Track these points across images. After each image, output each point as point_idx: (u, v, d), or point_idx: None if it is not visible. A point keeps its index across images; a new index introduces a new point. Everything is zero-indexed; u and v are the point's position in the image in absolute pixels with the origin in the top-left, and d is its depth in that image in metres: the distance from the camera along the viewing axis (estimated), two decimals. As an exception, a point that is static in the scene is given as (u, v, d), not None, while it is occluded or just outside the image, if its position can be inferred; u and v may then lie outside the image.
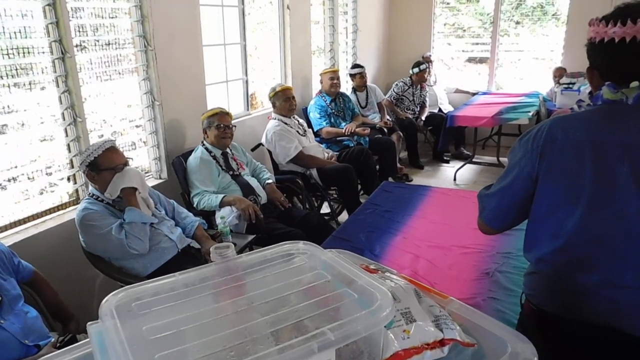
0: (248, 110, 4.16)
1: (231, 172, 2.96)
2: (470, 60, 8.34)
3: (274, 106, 3.67)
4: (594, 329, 1.09)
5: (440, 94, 5.98)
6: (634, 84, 1.04)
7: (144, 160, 3.15)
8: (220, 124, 2.93)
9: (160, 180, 3.20)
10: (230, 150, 3.05)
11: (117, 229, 2.11)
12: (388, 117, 5.25)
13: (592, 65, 1.15)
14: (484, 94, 5.90)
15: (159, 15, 2.96)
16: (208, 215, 2.83)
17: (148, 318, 0.69)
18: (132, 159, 2.38)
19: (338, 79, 4.47)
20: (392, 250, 2.09)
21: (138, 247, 2.13)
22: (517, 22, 8.57)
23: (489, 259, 1.99)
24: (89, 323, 0.72)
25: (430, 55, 6.02)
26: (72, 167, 2.58)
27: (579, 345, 1.13)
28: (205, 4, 3.42)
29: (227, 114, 3.00)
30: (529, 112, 4.64)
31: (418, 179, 4.98)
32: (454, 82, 6.43)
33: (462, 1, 8.55)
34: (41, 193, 2.56)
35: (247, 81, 4.11)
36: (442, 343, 0.75)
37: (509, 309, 1.63)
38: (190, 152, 3.02)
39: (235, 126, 3.03)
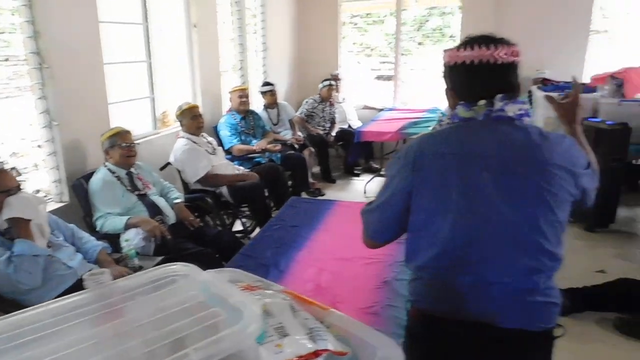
0: (156, 129, 4.08)
1: (137, 192, 2.89)
2: (379, 77, 8.76)
3: (181, 125, 3.64)
4: (474, 326, 1.18)
5: (349, 110, 6.22)
6: (481, 102, 1.20)
7: (44, 182, 2.99)
8: (124, 143, 2.86)
9: (62, 204, 3.06)
10: (135, 169, 2.98)
11: (5, 262, 1.96)
12: (299, 133, 5.37)
13: (449, 87, 1.30)
14: (390, 110, 6.22)
15: (55, 31, 2.84)
16: (113, 239, 2.73)
17: (10, 355, 0.68)
18: (25, 181, 2.25)
19: (247, 96, 4.51)
20: (297, 264, 2.16)
21: (28, 282, 1.98)
22: (420, 43, 9.16)
23: (388, 268, 2.11)
24: None
25: (338, 74, 6.24)
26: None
27: (463, 343, 1.21)
28: (105, 21, 3.33)
29: (128, 132, 2.94)
30: (429, 126, 4.97)
31: (330, 193, 5.13)
32: (362, 99, 6.71)
33: (369, 22, 8.97)
34: None
35: (153, 99, 4.04)
36: (316, 354, 0.79)
37: (404, 315, 1.75)
38: (92, 174, 2.91)
39: (138, 144, 2.98)
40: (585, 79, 5.25)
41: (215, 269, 0.98)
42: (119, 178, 2.85)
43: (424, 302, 1.28)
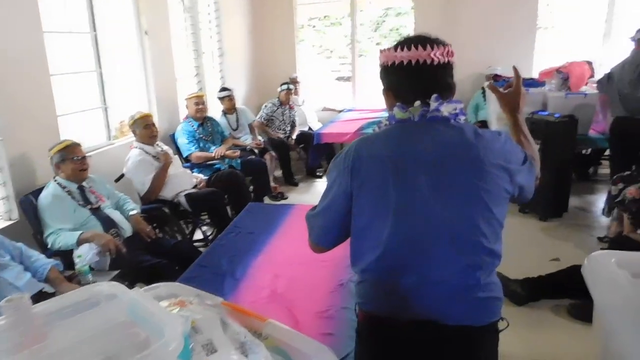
0: (110, 139, 3.99)
1: (89, 207, 2.82)
2: (339, 79, 8.83)
3: (134, 134, 3.56)
4: (419, 325, 1.20)
5: (309, 112, 6.23)
6: (417, 103, 1.22)
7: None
8: (75, 157, 2.79)
9: (11, 222, 2.94)
10: (87, 183, 2.91)
11: None
12: (260, 137, 5.34)
13: (385, 87, 1.31)
14: (349, 110, 6.28)
15: (-7, 42, 2.74)
16: (66, 255, 2.65)
17: None
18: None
19: (204, 103, 4.46)
20: (253, 271, 2.15)
21: None
22: (377, 43, 9.27)
23: (343, 270, 2.11)
24: None
25: (296, 77, 6.25)
26: None
27: (410, 343, 1.23)
28: (50, 30, 3.23)
29: (78, 144, 2.86)
30: (388, 126, 5.03)
31: (293, 196, 5.13)
32: (322, 101, 6.74)
33: (327, 24, 9.02)
34: None
35: (106, 109, 3.94)
36: None
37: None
38: (41, 190, 2.82)
39: (90, 156, 2.90)
40: (534, 73, 5.43)
41: (152, 285, 0.96)
42: (69, 192, 2.78)
43: (370, 304, 1.29)
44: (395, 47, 1.24)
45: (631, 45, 3.93)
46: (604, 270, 1.61)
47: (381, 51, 1.29)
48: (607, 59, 5.24)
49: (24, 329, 0.73)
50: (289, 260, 2.23)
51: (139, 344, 0.70)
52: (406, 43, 1.23)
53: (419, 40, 1.22)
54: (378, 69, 1.32)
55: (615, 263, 1.62)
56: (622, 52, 4.33)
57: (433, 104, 1.21)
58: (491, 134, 1.24)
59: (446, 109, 1.22)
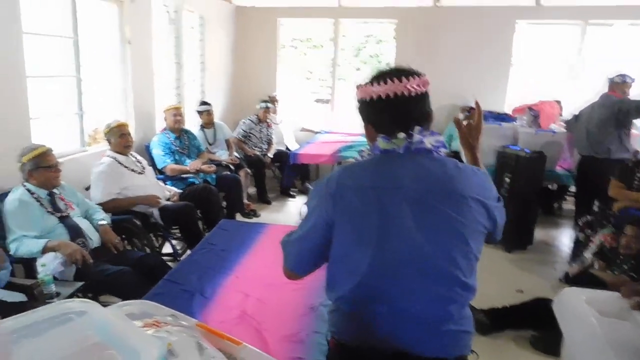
0: (84, 146, 3.91)
1: (59, 214, 2.75)
2: (318, 100, 8.92)
3: (109, 143, 3.51)
4: (390, 356, 1.20)
5: (286, 132, 6.26)
6: (401, 135, 1.23)
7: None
8: (50, 165, 2.73)
9: (-27, 225, 2.84)
10: (58, 190, 2.84)
11: None
12: (236, 154, 5.33)
13: (365, 121, 1.31)
14: (326, 132, 6.33)
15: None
16: (29, 263, 2.57)
17: None
18: None
19: (181, 115, 4.44)
20: (224, 290, 2.12)
21: None
22: (357, 69, 9.43)
23: (315, 294, 2.10)
24: None
25: (275, 95, 6.29)
26: None
27: None
28: (30, 32, 3.18)
29: (51, 151, 2.80)
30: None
31: (265, 215, 5.11)
32: (300, 121, 6.78)
33: (309, 46, 9.14)
34: None
35: (82, 115, 3.88)
36: None
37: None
38: (7, 194, 2.73)
39: (62, 163, 2.84)
40: (507, 109, 5.62)
41: (125, 302, 0.95)
42: (38, 199, 2.70)
43: (343, 334, 1.28)
44: (372, 82, 1.24)
45: (598, 87, 4.13)
46: (574, 306, 1.67)
47: (358, 87, 1.30)
48: (575, 98, 5.47)
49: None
50: (260, 281, 2.21)
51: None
52: (382, 77, 1.23)
53: (394, 73, 1.23)
54: (356, 104, 1.32)
55: (585, 300, 1.67)
56: (589, 92, 4.55)
57: (416, 136, 1.22)
58: (471, 168, 1.27)
59: (428, 141, 1.23)
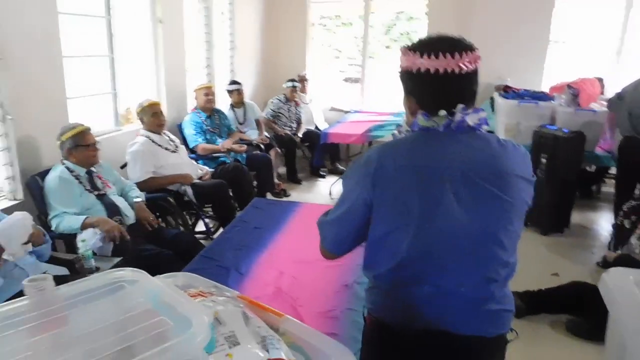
0: (118, 125, 3.98)
1: (96, 192, 2.81)
2: (346, 80, 8.82)
3: (142, 122, 3.56)
4: (430, 334, 1.18)
5: (316, 111, 6.22)
6: (442, 112, 1.16)
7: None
8: (89, 144, 2.78)
9: (15, 202, 2.94)
10: (96, 168, 2.90)
11: None
12: (266, 133, 5.34)
13: (407, 91, 1.24)
14: (356, 112, 6.27)
15: (9, 21, 2.73)
16: (69, 239, 2.65)
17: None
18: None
19: (213, 95, 4.46)
20: (258, 267, 2.14)
21: None
22: (387, 47, 9.26)
23: (349, 272, 2.12)
24: None
25: (305, 74, 6.24)
26: None
27: (419, 351, 1.21)
28: (65, 12, 3.22)
29: (89, 130, 2.85)
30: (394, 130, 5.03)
31: (295, 194, 5.12)
32: (330, 101, 6.73)
33: (337, 24, 9.01)
34: None
35: (116, 95, 3.93)
36: None
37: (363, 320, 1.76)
38: (47, 171, 2.81)
39: (99, 142, 2.90)
40: (544, 87, 5.43)
41: (169, 274, 0.96)
42: (77, 177, 2.77)
43: (380, 311, 1.27)
44: (422, 52, 1.15)
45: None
46: (622, 287, 1.62)
47: (403, 53, 1.20)
48: (618, 76, 5.24)
49: (45, 311, 0.72)
50: (294, 258, 2.22)
51: (162, 333, 0.69)
52: (433, 48, 1.14)
53: (446, 46, 1.13)
54: (399, 71, 1.24)
55: (633, 281, 1.62)
56: (633, 70, 4.33)
57: (458, 115, 1.16)
58: (512, 144, 1.21)
59: (471, 119, 1.17)
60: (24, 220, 1.98)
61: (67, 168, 2.76)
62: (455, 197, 1.14)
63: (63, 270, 2.29)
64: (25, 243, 1.99)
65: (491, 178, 1.15)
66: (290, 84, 5.58)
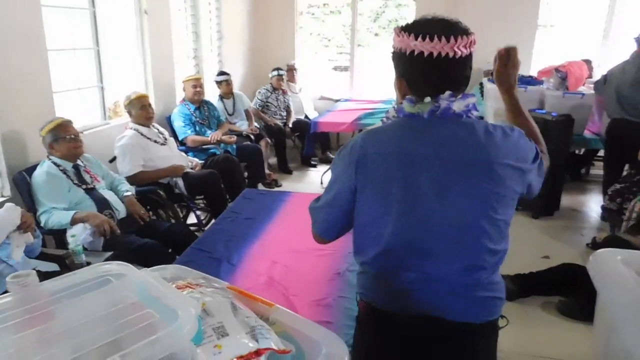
0: (106, 119, 3.94)
1: (85, 186, 2.78)
2: (336, 68, 8.78)
3: (130, 115, 3.52)
4: (420, 319, 1.19)
5: (306, 101, 6.20)
6: (427, 99, 1.15)
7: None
8: (68, 136, 2.75)
9: (3, 198, 2.90)
10: (83, 162, 2.87)
11: None
12: (255, 124, 5.31)
13: (399, 74, 1.21)
14: (346, 100, 6.25)
15: (-10, 15, 2.68)
16: (59, 234, 2.63)
17: None
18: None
19: (201, 86, 4.41)
20: (250, 258, 2.14)
21: None
22: (376, 34, 9.22)
23: (341, 259, 2.12)
24: None
25: (294, 64, 6.20)
26: None
27: (410, 335, 1.22)
28: (48, 4, 3.17)
29: (70, 122, 2.81)
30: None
31: (287, 184, 5.12)
32: (319, 90, 6.70)
33: (326, 12, 8.94)
34: None
35: (102, 88, 3.89)
36: (257, 353, 0.77)
37: (356, 306, 1.77)
38: (35, 167, 2.78)
39: (82, 133, 2.87)
40: (533, 71, 5.44)
41: (158, 266, 0.95)
42: (64, 172, 2.74)
43: (371, 296, 1.28)
44: (416, 34, 1.11)
45: (631, 46, 3.94)
46: (610, 267, 1.64)
47: (397, 33, 1.17)
48: (606, 58, 5.26)
49: (30, 307, 0.71)
50: (286, 248, 2.22)
51: (149, 325, 0.69)
52: (427, 31, 1.10)
53: (441, 29, 1.10)
54: (391, 51, 1.21)
55: (621, 261, 1.64)
56: (621, 52, 4.34)
57: (444, 102, 1.14)
58: (502, 131, 1.17)
59: (458, 106, 1.15)
60: (8, 210, 1.98)
61: (54, 163, 2.73)
62: (436, 186, 1.13)
63: (53, 266, 2.28)
64: (20, 232, 1.99)
65: (472, 166, 1.13)
66: (275, 72, 5.56)
